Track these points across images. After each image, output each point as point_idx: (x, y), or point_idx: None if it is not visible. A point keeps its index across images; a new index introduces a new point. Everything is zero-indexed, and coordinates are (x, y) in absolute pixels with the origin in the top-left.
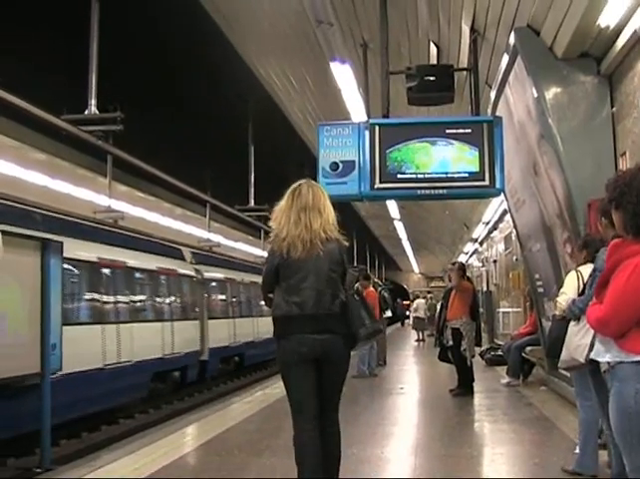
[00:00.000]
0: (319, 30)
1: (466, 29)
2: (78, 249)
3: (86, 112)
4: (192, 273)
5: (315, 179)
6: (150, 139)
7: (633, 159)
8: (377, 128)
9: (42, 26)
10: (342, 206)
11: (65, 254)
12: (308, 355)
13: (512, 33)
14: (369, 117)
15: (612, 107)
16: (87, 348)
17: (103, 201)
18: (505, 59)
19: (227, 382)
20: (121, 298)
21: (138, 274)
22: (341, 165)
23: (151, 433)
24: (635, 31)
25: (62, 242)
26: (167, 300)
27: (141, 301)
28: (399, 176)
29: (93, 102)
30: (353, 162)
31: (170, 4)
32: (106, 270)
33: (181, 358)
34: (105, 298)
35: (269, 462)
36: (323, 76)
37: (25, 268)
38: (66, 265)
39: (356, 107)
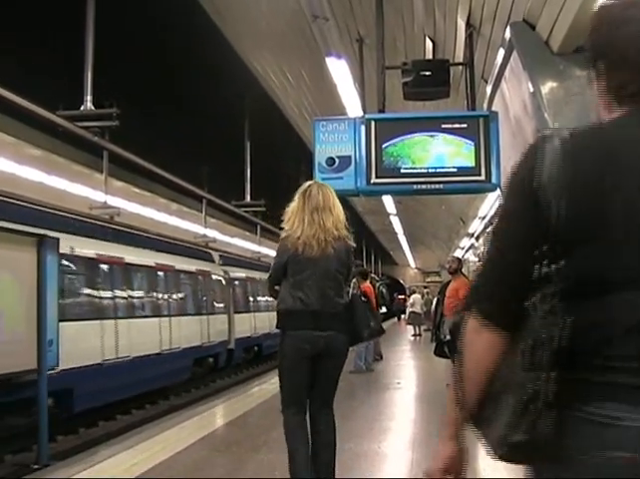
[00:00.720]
0: (315, 25)
1: (461, 24)
2: (141, 257)
3: (82, 108)
4: (221, 274)
5: (311, 174)
6: (146, 135)
7: None
8: (373, 123)
9: (38, 22)
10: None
11: (141, 262)
12: (310, 352)
13: (508, 27)
14: (365, 112)
15: None
16: (148, 337)
17: (99, 197)
18: (501, 53)
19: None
20: (171, 296)
21: (183, 276)
22: (337, 160)
23: (148, 429)
24: None
25: (58, 239)
26: (204, 297)
27: (186, 298)
28: (395, 171)
29: (89, 98)
30: (349, 157)
31: (167, 1)
32: (162, 273)
33: (214, 347)
34: (161, 297)
35: (267, 458)
36: (319, 71)
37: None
38: (141, 273)
39: (352, 102)
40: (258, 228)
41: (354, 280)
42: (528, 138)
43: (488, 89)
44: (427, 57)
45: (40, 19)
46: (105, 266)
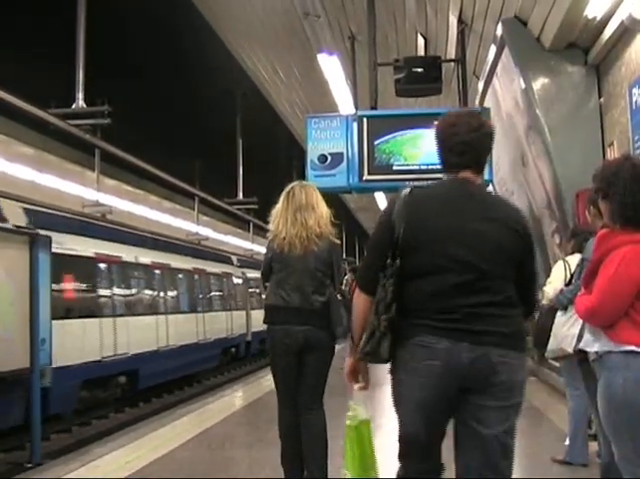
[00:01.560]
0: (306, 22)
1: (453, 20)
2: (179, 263)
3: (73, 106)
4: (240, 274)
5: (304, 171)
6: (138, 132)
7: (621, 149)
8: (365, 120)
9: (29, 20)
10: (330, 198)
11: (183, 267)
12: (292, 346)
13: (500, 24)
14: (357, 109)
15: (600, 97)
16: (189, 329)
17: (91, 195)
18: (493, 50)
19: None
20: (204, 295)
21: (212, 278)
22: (329, 157)
23: (141, 427)
24: (622, 21)
25: (50, 237)
26: (228, 295)
27: (215, 296)
28: (387, 168)
29: (80, 96)
30: (341, 154)
31: None
32: (197, 276)
33: (236, 338)
34: (197, 295)
35: (260, 455)
36: (311, 68)
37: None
38: (181, 275)
39: (344, 99)
40: (251, 225)
41: (346, 277)
42: (520, 134)
43: (480, 85)
44: (419, 54)
45: (31, 17)
46: (160, 272)
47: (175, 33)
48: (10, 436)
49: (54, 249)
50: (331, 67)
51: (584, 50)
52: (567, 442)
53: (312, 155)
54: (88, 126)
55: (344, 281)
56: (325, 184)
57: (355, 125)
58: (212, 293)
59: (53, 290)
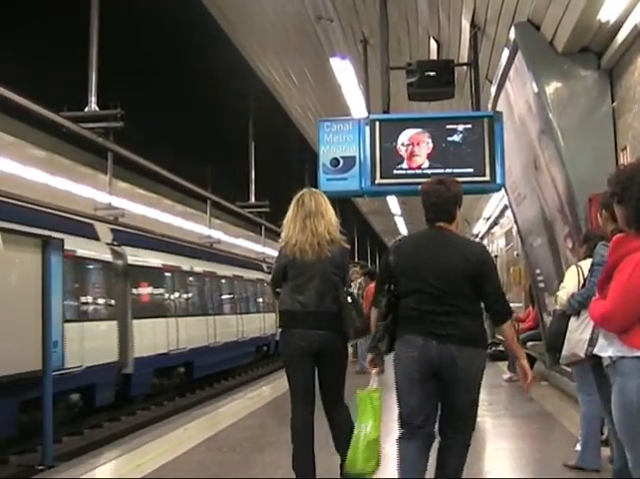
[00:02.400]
0: (319, 26)
1: (466, 24)
2: (222, 271)
3: (86, 109)
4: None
5: (316, 175)
6: (150, 136)
7: (634, 153)
8: (377, 123)
9: (42, 23)
10: (343, 202)
11: (225, 274)
12: (307, 349)
13: (513, 28)
14: (369, 112)
15: (613, 101)
16: (231, 329)
17: (103, 198)
18: (506, 54)
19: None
20: (243, 299)
21: (248, 283)
22: (342, 161)
23: (152, 430)
24: (635, 25)
25: (62, 239)
26: (260, 299)
27: (250, 300)
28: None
29: (93, 99)
30: (353, 157)
31: (171, 2)
32: (237, 282)
33: (267, 338)
34: (238, 299)
35: (271, 459)
36: (323, 72)
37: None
38: (224, 281)
39: (356, 103)
40: (262, 228)
41: (360, 280)
42: (533, 138)
43: (493, 89)
44: (431, 57)
45: (44, 20)
46: (209, 279)
47: (188, 37)
48: (22, 438)
49: (130, 261)
50: (343, 71)
51: (597, 54)
52: (579, 447)
53: (324, 158)
54: (100, 129)
55: (357, 285)
56: (337, 187)
57: (367, 128)
58: (248, 297)
59: (131, 295)
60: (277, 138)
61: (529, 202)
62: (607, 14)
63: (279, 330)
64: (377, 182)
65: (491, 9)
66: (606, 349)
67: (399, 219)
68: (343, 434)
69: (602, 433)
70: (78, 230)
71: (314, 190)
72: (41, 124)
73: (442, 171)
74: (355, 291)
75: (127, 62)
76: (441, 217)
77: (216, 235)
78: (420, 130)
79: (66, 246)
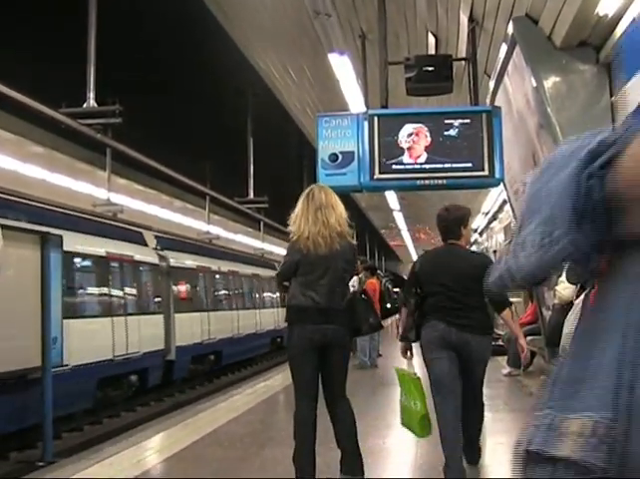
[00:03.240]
0: (317, 21)
1: (464, 19)
2: (244, 270)
3: (84, 105)
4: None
5: (315, 170)
6: (148, 131)
7: None
8: (376, 118)
9: (40, 18)
10: (341, 197)
11: (246, 272)
12: (317, 343)
13: (511, 22)
14: (368, 108)
15: (612, 96)
16: (251, 322)
17: (102, 194)
18: (504, 48)
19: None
20: (260, 294)
21: (264, 281)
22: (340, 156)
23: (153, 425)
24: (634, 19)
25: (61, 236)
26: (275, 295)
27: (267, 296)
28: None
29: (91, 95)
30: (352, 153)
31: None
32: (256, 280)
33: (282, 330)
34: (256, 295)
35: (272, 454)
36: (321, 67)
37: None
38: (244, 279)
39: (355, 98)
40: (261, 224)
41: (361, 276)
42: (531, 132)
43: (491, 84)
44: (429, 52)
45: (42, 16)
46: (232, 278)
47: (187, 33)
48: (22, 435)
49: (172, 264)
50: (342, 66)
51: (596, 48)
52: None
53: (323, 154)
54: (99, 125)
55: (357, 280)
56: (336, 183)
57: (366, 124)
58: (265, 293)
59: (173, 292)
60: (276, 133)
61: None
62: (605, 8)
63: (289, 324)
64: (376, 177)
65: (489, 3)
66: None
67: (398, 214)
68: (345, 429)
69: None
70: (132, 238)
71: (322, 184)
72: (40, 120)
73: (440, 165)
74: (355, 286)
75: (125, 58)
76: (449, 236)
77: (236, 237)
78: (418, 125)
79: (125, 252)
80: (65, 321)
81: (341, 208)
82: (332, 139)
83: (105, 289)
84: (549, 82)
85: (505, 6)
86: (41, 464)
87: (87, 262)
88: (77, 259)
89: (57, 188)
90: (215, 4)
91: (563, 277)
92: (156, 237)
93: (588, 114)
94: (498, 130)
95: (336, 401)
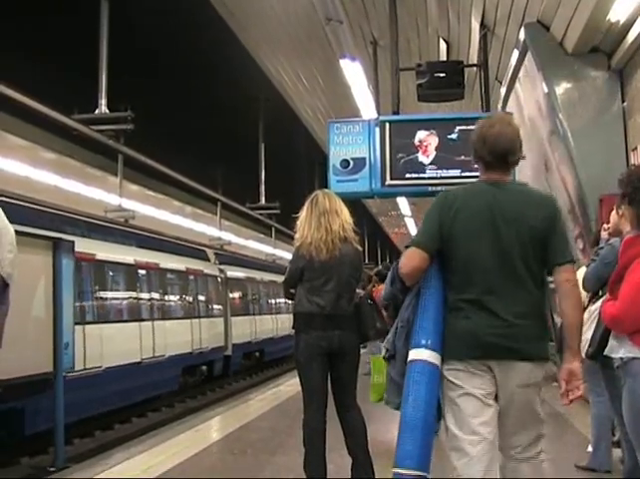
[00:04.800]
0: (329, 28)
1: (475, 25)
2: (274, 278)
3: (96, 111)
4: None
5: (326, 176)
6: (160, 137)
7: None
8: (387, 124)
9: (52, 26)
10: (352, 203)
11: (265, 279)
12: (326, 349)
13: (522, 29)
14: (379, 114)
15: (623, 101)
16: (286, 325)
17: (114, 200)
18: (515, 55)
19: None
20: (276, 301)
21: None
22: (352, 162)
23: (163, 431)
24: None
25: (73, 242)
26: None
27: (282, 302)
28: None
29: (103, 101)
30: (364, 159)
31: (181, 4)
32: (274, 287)
33: None
34: (275, 302)
35: (282, 461)
36: (333, 73)
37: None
38: (264, 287)
39: (366, 104)
40: (273, 230)
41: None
42: (543, 138)
43: (503, 90)
44: (441, 59)
45: (55, 24)
46: (274, 286)
47: (198, 40)
48: (33, 440)
49: (229, 276)
50: (353, 72)
51: (607, 54)
52: (591, 449)
53: (334, 160)
54: (111, 131)
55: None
56: (347, 189)
57: (377, 130)
58: (281, 300)
59: (229, 300)
60: (287, 139)
61: None
62: (617, 14)
63: (296, 330)
64: (387, 183)
65: (501, 10)
66: (617, 351)
67: (409, 219)
68: (356, 436)
69: (614, 434)
70: (199, 255)
71: (327, 190)
72: (52, 127)
73: (452, 172)
74: (362, 292)
75: (136, 64)
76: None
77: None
78: (430, 131)
79: (197, 267)
80: (159, 322)
81: (346, 213)
82: (343, 145)
83: (188, 297)
84: (561, 88)
85: (517, 12)
86: (52, 470)
87: (176, 277)
88: (171, 276)
89: (69, 193)
90: (227, 11)
91: None
92: (215, 253)
93: (600, 120)
94: None
95: (346, 408)
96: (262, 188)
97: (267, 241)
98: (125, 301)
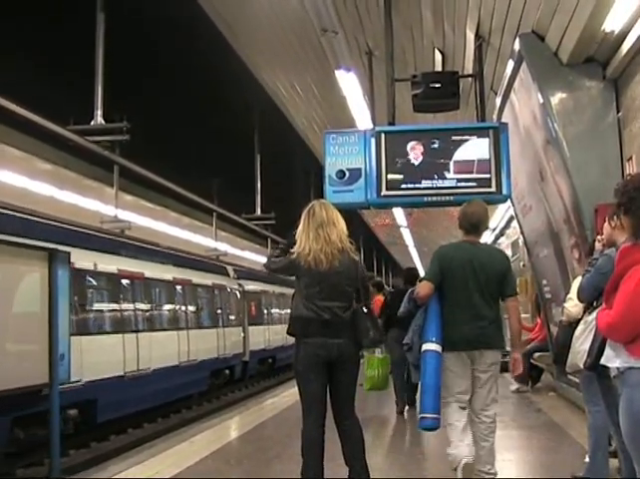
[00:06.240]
0: (324, 38)
1: (470, 35)
2: (287, 291)
3: (92, 122)
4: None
5: (322, 187)
6: (156, 148)
7: None
8: (383, 135)
9: (48, 37)
10: (349, 213)
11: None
12: (325, 358)
13: (517, 39)
14: (375, 124)
15: (618, 111)
16: (281, 336)
17: (110, 210)
18: (511, 65)
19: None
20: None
21: None
22: (347, 172)
23: (159, 443)
24: None
25: (69, 253)
26: None
27: None
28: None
29: (99, 112)
30: (359, 169)
31: (175, 15)
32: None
33: None
34: (283, 313)
35: (279, 470)
36: (329, 84)
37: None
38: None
39: (362, 115)
40: (269, 241)
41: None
42: (538, 148)
43: (498, 100)
44: (436, 69)
45: (50, 34)
46: (283, 298)
47: (194, 50)
48: (28, 451)
49: (246, 289)
50: (349, 83)
51: (602, 64)
52: (587, 459)
53: (330, 170)
54: (107, 142)
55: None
56: (343, 199)
57: (373, 140)
58: None
59: (247, 311)
60: (283, 150)
61: (535, 212)
62: (612, 24)
63: (295, 339)
64: (383, 193)
65: (496, 20)
66: (613, 360)
67: (405, 230)
68: (354, 447)
69: (611, 444)
70: (221, 271)
71: (323, 200)
72: (48, 137)
73: (447, 183)
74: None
75: (132, 75)
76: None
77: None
78: (425, 141)
79: (221, 282)
80: (193, 331)
81: (342, 224)
82: (339, 155)
83: (214, 309)
84: (556, 98)
85: (512, 23)
86: None
87: (205, 291)
88: (201, 290)
89: (64, 204)
90: (223, 22)
91: (572, 295)
92: (234, 269)
93: (595, 129)
94: (505, 146)
95: (344, 418)
96: (258, 198)
97: (263, 252)
98: (165, 313)
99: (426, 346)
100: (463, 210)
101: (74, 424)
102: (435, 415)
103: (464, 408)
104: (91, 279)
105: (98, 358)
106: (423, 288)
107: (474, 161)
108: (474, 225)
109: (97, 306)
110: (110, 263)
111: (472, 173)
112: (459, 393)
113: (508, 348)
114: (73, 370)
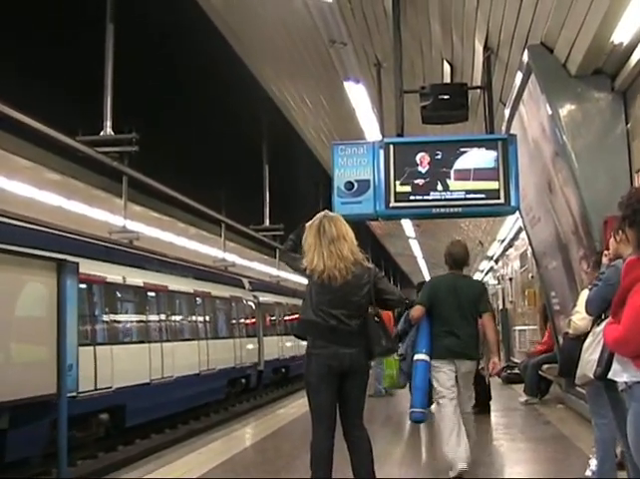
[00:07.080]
0: (333, 50)
1: (479, 47)
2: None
3: (101, 133)
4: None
5: (330, 198)
6: (164, 159)
7: None
8: (391, 147)
9: (57, 48)
10: (357, 224)
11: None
12: (337, 369)
13: (526, 51)
14: (383, 136)
15: (627, 123)
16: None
17: (118, 221)
18: (519, 77)
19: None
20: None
21: None
22: (356, 184)
23: (167, 454)
24: None
25: (77, 264)
26: None
27: None
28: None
29: (108, 123)
30: (368, 181)
31: (185, 27)
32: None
33: None
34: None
35: None
36: (337, 95)
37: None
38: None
39: (370, 126)
40: (277, 251)
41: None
42: (547, 160)
43: (507, 112)
44: (445, 81)
45: (59, 46)
46: (283, 310)
47: (203, 61)
48: (36, 461)
49: (261, 301)
50: (357, 94)
51: (611, 76)
52: (589, 473)
53: (338, 182)
54: (115, 153)
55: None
56: (351, 211)
57: (381, 152)
58: None
59: (262, 322)
60: (291, 161)
61: (544, 224)
62: (620, 36)
63: (306, 351)
64: (391, 205)
65: (504, 32)
66: (621, 374)
67: (413, 241)
68: (362, 458)
69: (616, 456)
70: (237, 283)
71: (331, 214)
72: (57, 148)
73: (456, 195)
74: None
75: (141, 86)
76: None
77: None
78: (434, 152)
79: (238, 294)
80: (212, 341)
81: (351, 235)
82: (348, 167)
83: (232, 319)
84: (565, 110)
85: (521, 34)
86: None
87: (223, 303)
88: (219, 302)
89: (73, 214)
90: (232, 33)
91: (579, 308)
92: (249, 281)
93: (604, 141)
94: (514, 158)
95: (353, 429)
96: (266, 209)
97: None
98: (187, 324)
99: (417, 356)
100: (448, 249)
101: (105, 428)
102: (423, 410)
103: (455, 406)
104: (118, 293)
105: (126, 366)
106: (416, 311)
107: (482, 172)
108: (456, 261)
109: (125, 317)
110: (136, 277)
111: (480, 184)
112: (451, 386)
113: (517, 360)
114: (104, 377)
